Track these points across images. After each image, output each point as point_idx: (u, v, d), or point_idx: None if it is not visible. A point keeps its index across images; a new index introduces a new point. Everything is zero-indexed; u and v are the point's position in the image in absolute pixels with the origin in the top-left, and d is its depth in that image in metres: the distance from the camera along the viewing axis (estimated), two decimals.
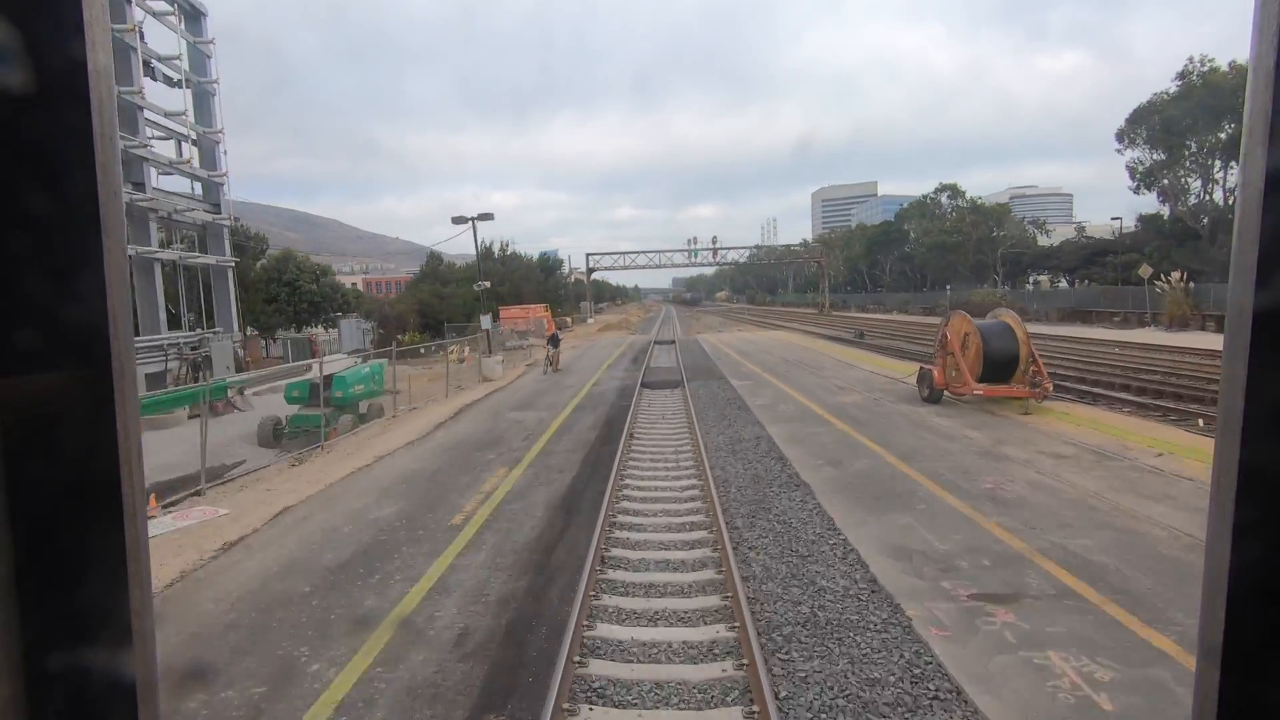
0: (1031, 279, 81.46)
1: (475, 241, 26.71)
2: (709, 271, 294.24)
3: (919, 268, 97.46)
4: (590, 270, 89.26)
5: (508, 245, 64.30)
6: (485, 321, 26.47)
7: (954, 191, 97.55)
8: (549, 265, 78.27)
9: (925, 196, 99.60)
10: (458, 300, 44.68)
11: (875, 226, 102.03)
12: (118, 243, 0.62)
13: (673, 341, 40.30)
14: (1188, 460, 10.09)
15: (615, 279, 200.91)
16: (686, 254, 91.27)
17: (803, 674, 4.96)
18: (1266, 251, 0.59)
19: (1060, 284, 77.15)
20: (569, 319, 65.31)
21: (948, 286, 66.87)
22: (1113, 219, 59.27)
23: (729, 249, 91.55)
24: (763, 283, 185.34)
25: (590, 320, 54.03)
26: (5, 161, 0.57)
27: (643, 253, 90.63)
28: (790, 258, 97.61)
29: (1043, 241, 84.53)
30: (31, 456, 0.60)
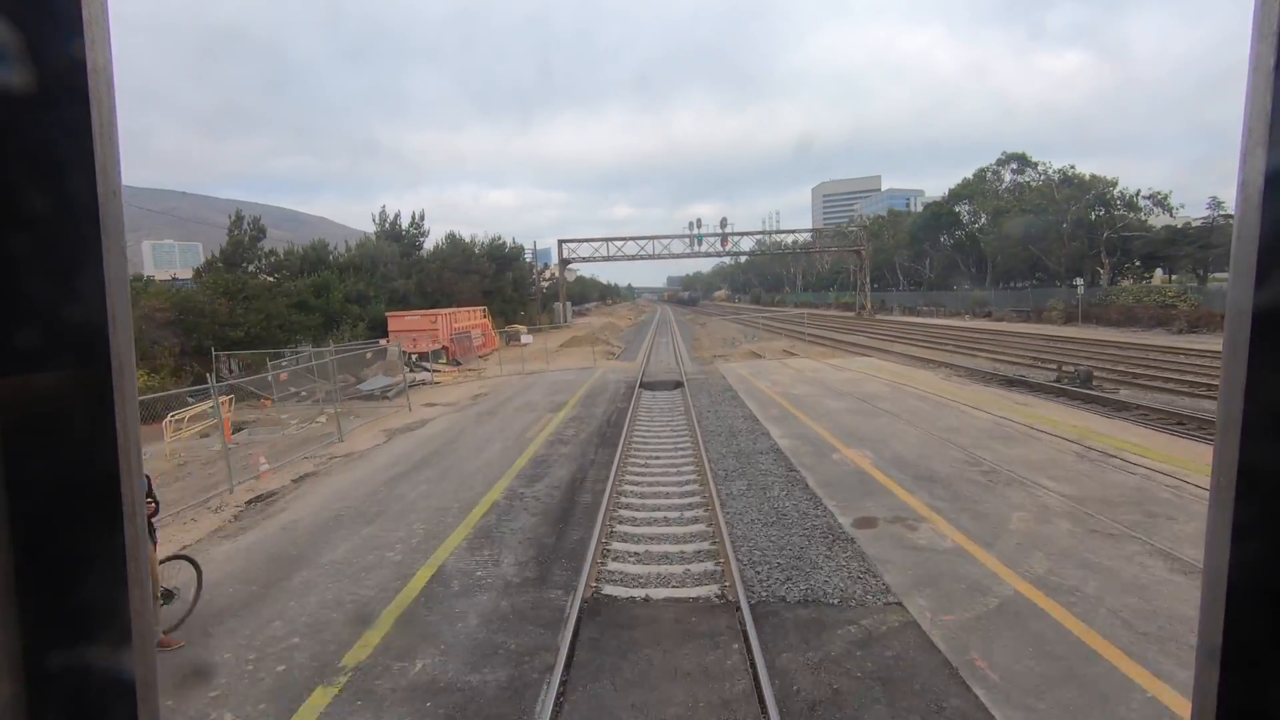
0: (1151, 273, 60.14)
1: None
2: (706, 269, 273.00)
3: (979, 259, 76.18)
4: (565, 261, 67.50)
5: (421, 218, 42.48)
6: None
7: (1023, 162, 76.42)
8: (505, 253, 56.48)
9: (985, 169, 78.16)
10: (283, 304, 23.05)
11: (923, 210, 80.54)
12: (117, 243, 0.62)
13: (678, 384, 19.92)
14: None
15: (606, 276, 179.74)
16: (688, 241, 69.34)
17: None
18: (1266, 251, 0.59)
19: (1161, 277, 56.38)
20: (521, 328, 43.43)
21: (1077, 281, 45.12)
22: None
23: (740, 235, 69.77)
24: (766, 280, 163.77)
25: (523, 339, 31.80)
26: (5, 161, 0.57)
27: (632, 239, 68.88)
28: (818, 246, 75.93)
29: (1154, 222, 62.76)
30: (31, 456, 0.60)
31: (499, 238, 57.46)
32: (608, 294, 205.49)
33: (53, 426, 0.60)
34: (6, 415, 0.59)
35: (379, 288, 33.45)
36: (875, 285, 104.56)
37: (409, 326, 31.40)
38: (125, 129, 0.62)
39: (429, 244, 48.23)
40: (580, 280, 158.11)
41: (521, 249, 61.13)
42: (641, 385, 20.35)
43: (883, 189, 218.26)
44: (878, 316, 69.00)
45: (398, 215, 42.71)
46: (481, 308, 41.64)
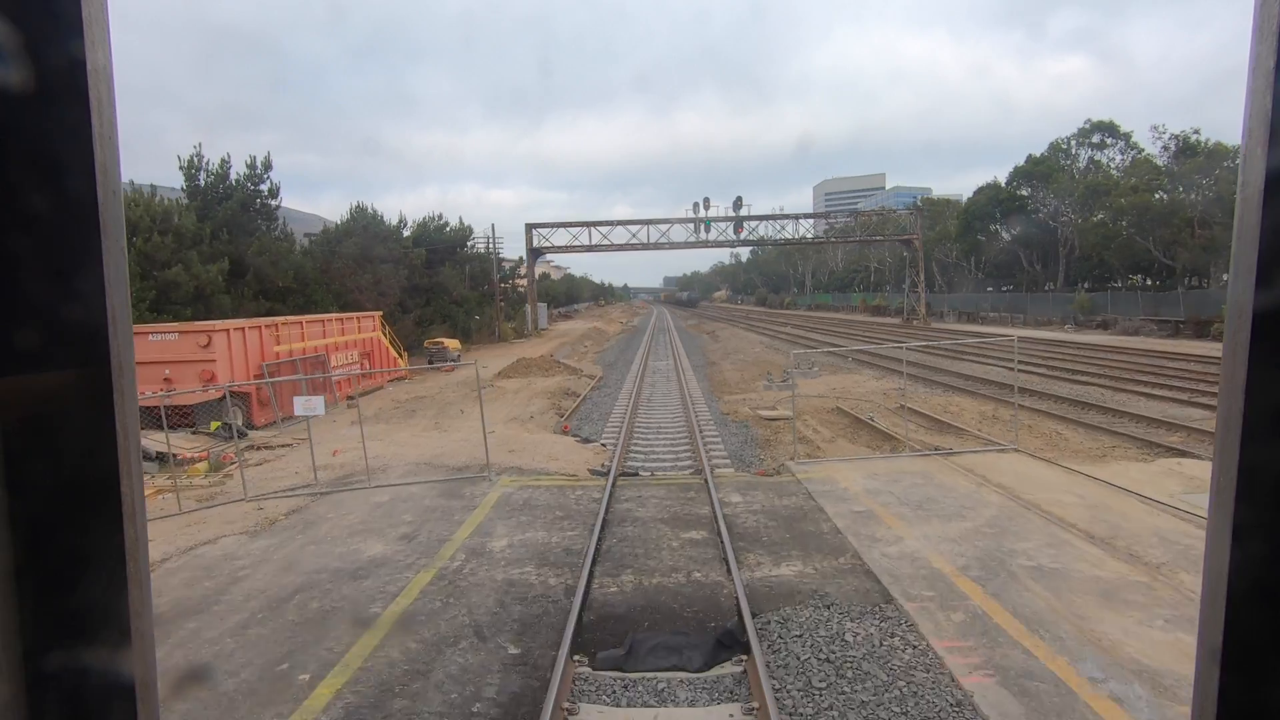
0: None
1: None
2: (705, 270, 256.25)
3: (1048, 252, 60.74)
4: (535, 251, 51.41)
5: (266, 167, 26.08)
6: None
7: (1110, 132, 60.93)
8: (446, 237, 40.40)
9: (1059, 142, 62.63)
10: None
11: (975, 194, 64.78)
12: (117, 243, 0.61)
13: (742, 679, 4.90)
14: None
15: (600, 275, 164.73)
16: (691, 229, 53.09)
17: None
18: (1266, 251, 0.58)
19: None
20: (450, 343, 27.31)
21: None
22: None
23: (759, 219, 53.58)
24: (770, 279, 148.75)
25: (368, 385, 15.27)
26: (5, 161, 0.57)
27: (621, 223, 52.71)
28: (858, 235, 59.88)
29: None
30: (31, 456, 0.59)
31: (438, 216, 41.29)
32: (601, 294, 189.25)
33: (53, 426, 0.59)
34: (6, 415, 0.58)
35: (134, 277, 17.38)
36: (908, 285, 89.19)
37: (153, 355, 14.98)
38: (121, 126, 0.61)
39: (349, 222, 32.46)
40: (568, 279, 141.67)
41: (470, 231, 44.94)
42: (597, 660, 4.21)
43: (887, 187, 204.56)
44: (933, 325, 53.19)
45: (225, 162, 26.35)
46: (375, 314, 25.33)
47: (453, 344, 31.77)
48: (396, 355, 27.44)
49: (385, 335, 26.46)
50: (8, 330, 0.57)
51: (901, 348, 14.58)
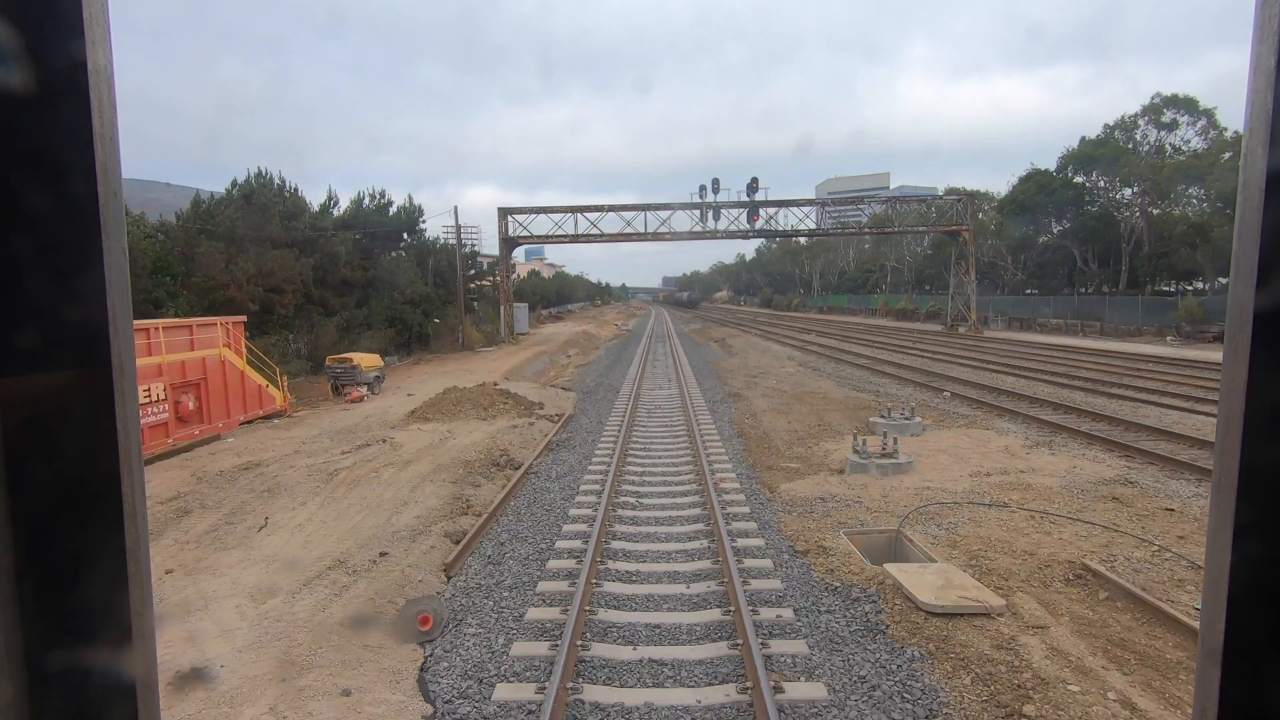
0: None
1: None
2: (705, 270, 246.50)
3: (1108, 250, 51.62)
4: (509, 241, 41.90)
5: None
6: None
7: (1188, 109, 51.59)
8: (391, 222, 30.86)
9: (1124, 119, 53.48)
10: None
11: (1021, 182, 55.22)
12: (117, 243, 0.62)
13: None
14: None
15: (597, 274, 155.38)
16: (697, 216, 43.54)
17: None
18: (1267, 251, 0.59)
19: None
20: (366, 359, 17.08)
21: None
22: None
23: (776, 204, 43.96)
24: (773, 279, 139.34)
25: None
26: (5, 161, 0.58)
27: (614, 209, 43.17)
28: (896, 225, 50.24)
29: None
30: (31, 456, 0.60)
31: (381, 193, 31.85)
32: (597, 294, 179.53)
33: (53, 426, 0.59)
34: (7, 415, 0.58)
35: None
36: (927, 286, 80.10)
37: None
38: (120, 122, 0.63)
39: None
40: (561, 277, 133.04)
41: (419, 211, 35.45)
42: None
43: (892, 186, 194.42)
44: (984, 334, 43.77)
45: None
46: (225, 320, 15.72)
47: (369, 361, 22.70)
48: (263, 383, 18.12)
49: (242, 352, 17.00)
50: (8, 330, 0.57)
51: None
